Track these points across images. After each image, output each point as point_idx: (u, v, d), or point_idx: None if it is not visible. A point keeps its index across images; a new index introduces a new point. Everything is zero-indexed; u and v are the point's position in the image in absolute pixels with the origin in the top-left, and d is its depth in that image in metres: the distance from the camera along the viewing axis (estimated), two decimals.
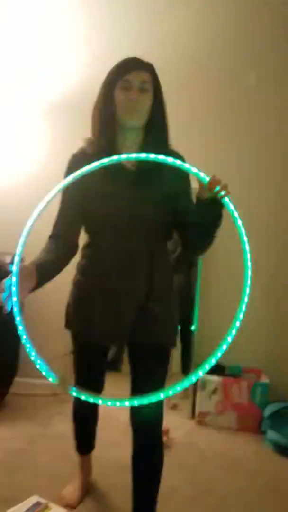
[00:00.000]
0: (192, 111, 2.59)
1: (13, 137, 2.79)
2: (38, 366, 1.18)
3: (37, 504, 1.58)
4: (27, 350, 1.17)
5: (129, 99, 1.27)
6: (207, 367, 1.12)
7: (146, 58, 1.36)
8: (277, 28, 2.58)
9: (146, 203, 1.33)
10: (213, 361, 1.12)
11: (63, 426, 2.26)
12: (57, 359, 2.61)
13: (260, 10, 2.56)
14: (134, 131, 1.34)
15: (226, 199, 1.16)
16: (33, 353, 1.17)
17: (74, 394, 1.22)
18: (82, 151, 1.38)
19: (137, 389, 1.42)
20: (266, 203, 2.66)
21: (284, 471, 2.05)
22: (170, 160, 1.19)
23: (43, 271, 1.23)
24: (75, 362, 1.56)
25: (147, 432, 1.43)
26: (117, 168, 1.29)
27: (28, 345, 1.17)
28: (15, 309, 1.13)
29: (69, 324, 1.48)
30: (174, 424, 2.40)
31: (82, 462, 1.76)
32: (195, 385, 2.58)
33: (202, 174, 1.18)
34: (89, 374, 1.54)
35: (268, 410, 2.38)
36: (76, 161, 1.33)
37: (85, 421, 1.73)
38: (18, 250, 1.19)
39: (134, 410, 1.41)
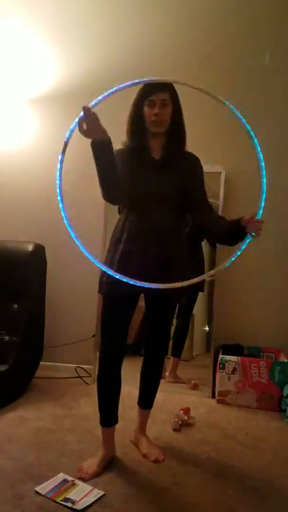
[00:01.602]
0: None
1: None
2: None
3: (64, 481, 1.65)
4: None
5: (153, 114, 1.68)
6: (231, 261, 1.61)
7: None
8: None
9: (167, 185, 1.71)
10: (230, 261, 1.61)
11: (87, 407, 2.33)
12: (82, 342, 2.71)
13: None
14: (158, 135, 1.74)
15: (249, 239, 1.56)
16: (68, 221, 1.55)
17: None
18: (122, 149, 1.76)
19: (152, 321, 1.88)
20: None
21: None
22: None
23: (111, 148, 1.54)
24: (104, 319, 1.79)
25: (157, 349, 1.94)
26: (147, 157, 1.73)
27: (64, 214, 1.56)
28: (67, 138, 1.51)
29: (102, 287, 1.75)
30: (195, 403, 2.46)
31: (105, 436, 1.82)
32: (214, 365, 2.63)
33: (262, 204, 1.55)
34: (117, 325, 1.78)
35: (287, 389, 2.40)
36: (118, 155, 1.69)
37: (110, 385, 1.81)
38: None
39: (147, 333, 1.92)
